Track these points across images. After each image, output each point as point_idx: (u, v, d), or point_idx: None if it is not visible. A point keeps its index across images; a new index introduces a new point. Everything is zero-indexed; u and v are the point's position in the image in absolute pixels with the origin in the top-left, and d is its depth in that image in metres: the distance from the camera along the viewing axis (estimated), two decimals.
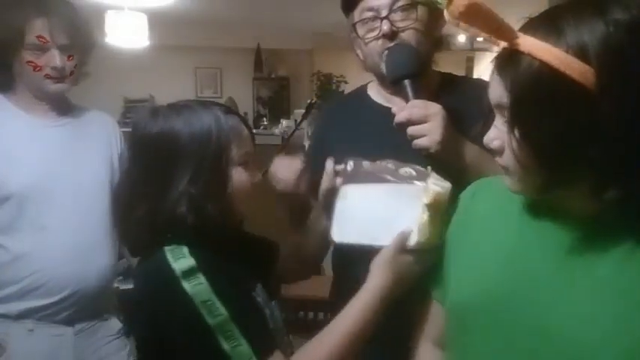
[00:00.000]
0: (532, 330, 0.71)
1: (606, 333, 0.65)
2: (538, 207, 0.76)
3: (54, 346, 1.44)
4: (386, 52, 1.16)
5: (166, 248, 0.90)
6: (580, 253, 0.70)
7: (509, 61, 0.66)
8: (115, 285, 1.89)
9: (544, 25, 0.65)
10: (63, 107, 1.54)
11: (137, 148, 0.97)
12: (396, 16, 1.15)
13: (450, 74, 1.33)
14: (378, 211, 0.99)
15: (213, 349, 0.84)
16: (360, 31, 1.20)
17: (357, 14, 1.20)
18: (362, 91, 1.35)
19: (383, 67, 1.18)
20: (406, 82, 1.10)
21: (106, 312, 1.62)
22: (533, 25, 0.66)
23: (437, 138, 1.03)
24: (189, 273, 0.86)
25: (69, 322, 1.47)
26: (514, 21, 0.70)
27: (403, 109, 1.07)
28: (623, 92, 0.60)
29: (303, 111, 3.49)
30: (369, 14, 1.17)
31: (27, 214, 1.42)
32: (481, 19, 0.67)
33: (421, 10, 1.16)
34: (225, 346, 0.84)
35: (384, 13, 1.14)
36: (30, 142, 1.46)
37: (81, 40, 1.46)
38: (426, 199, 0.92)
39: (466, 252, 0.85)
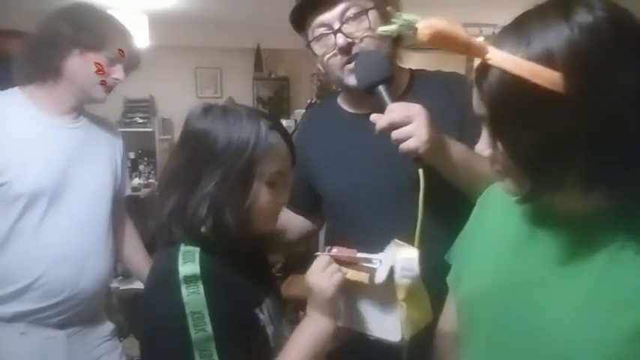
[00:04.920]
0: (525, 328, 0.73)
1: (594, 332, 0.66)
2: (535, 210, 0.79)
3: (46, 348, 1.44)
4: (352, 63, 1.12)
5: (182, 248, 0.92)
6: (571, 255, 0.72)
7: (483, 75, 0.67)
8: (115, 285, 1.89)
9: (513, 35, 0.66)
10: (80, 111, 1.56)
11: (183, 139, 0.99)
12: (350, 27, 1.12)
13: (420, 70, 1.29)
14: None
15: None
16: (316, 49, 1.17)
17: (310, 33, 1.17)
18: (332, 100, 1.34)
19: (348, 80, 1.15)
20: (380, 87, 1.07)
21: (98, 315, 1.62)
22: (504, 36, 0.68)
23: (423, 137, 0.98)
24: (190, 279, 0.87)
25: (62, 325, 1.47)
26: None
27: (382, 115, 1.02)
28: (593, 94, 0.61)
29: (303, 111, 3.48)
30: (322, 30, 1.14)
31: (32, 214, 1.42)
32: (448, 41, 0.70)
33: (372, 15, 1.12)
34: None
35: (336, 26, 1.12)
36: (44, 142, 1.48)
37: (132, 71, 1.59)
38: (400, 296, 0.94)
39: (475, 252, 0.88)
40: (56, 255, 1.45)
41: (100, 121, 1.65)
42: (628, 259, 0.67)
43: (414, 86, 1.22)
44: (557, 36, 0.62)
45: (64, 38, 1.43)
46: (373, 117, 1.04)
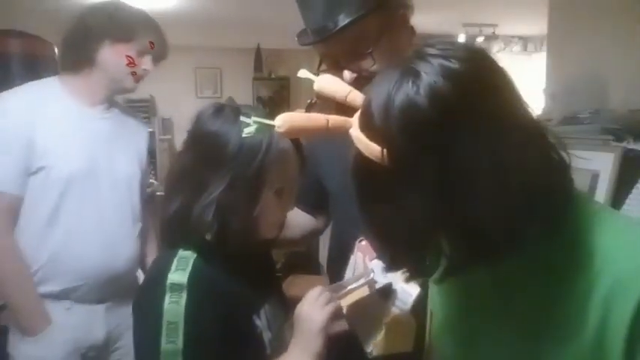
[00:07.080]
0: None
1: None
2: None
3: (88, 319, 1.62)
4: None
5: (179, 253, 0.89)
6: (495, 301, 0.70)
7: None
8: None
9: (364, 107, 0.65)
10: (111, 102, 1.67)
11: (191, 139, 0.96)
12: (354, 66, 1.12)
13: None
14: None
15: None
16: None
17: (318, 52, 1.18)
18: None
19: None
20: None
21: (133, 289, 1.69)
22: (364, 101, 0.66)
23: None
24: (175, 288, 0.85)
25: (100, 300, 1.62)
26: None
27: None
28: (412, 168, 0.58)
29: (303, 111, 3.48)
30: (330, 61, 1.15)
31: (70, 199, 1.52)
32: (307, 130, 0.74)
33: (379, 51, 1.11)
34: None
35: (343, 64, 1.12)
36: (79, 130, 1.57)
37: (161, 60, 1.71)
38: (385, 319, 0.96)
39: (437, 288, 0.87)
40: (95, 239, 1.55)
41: (129, 114, 1.76)
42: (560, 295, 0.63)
43: None
44: (382, 111, 0.59)
45: (96, 31, 1.54)
46: None
